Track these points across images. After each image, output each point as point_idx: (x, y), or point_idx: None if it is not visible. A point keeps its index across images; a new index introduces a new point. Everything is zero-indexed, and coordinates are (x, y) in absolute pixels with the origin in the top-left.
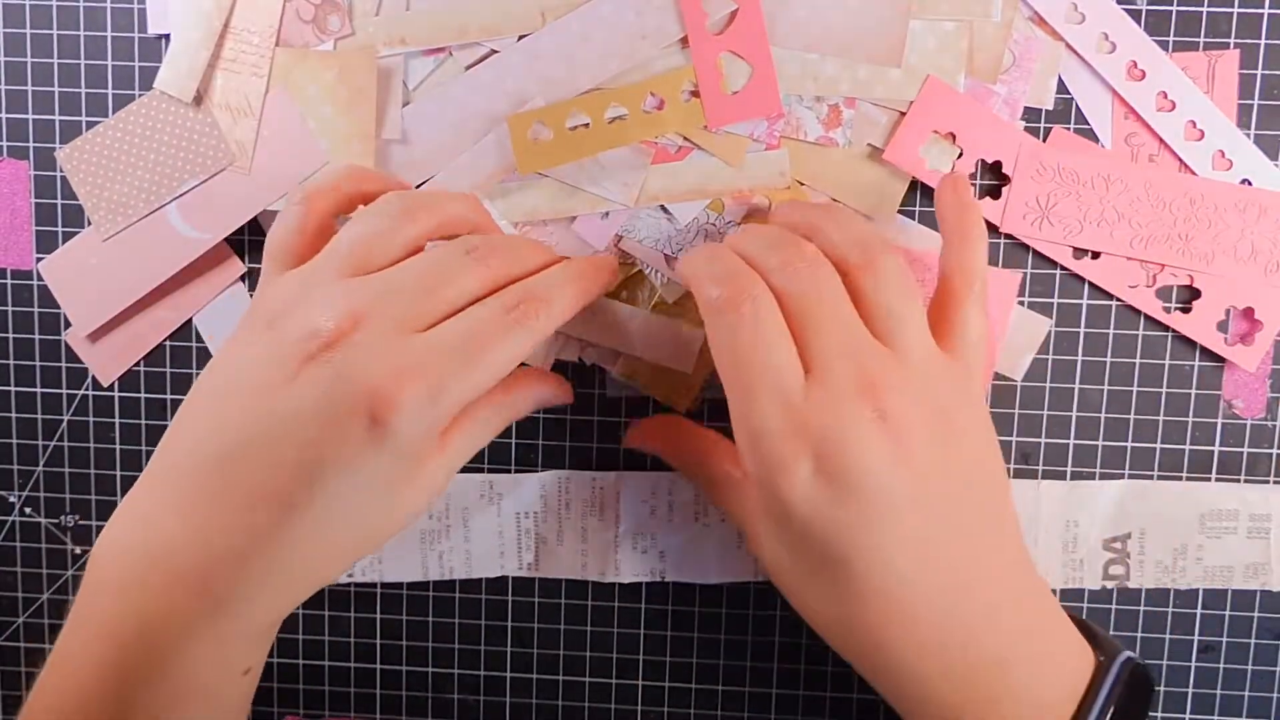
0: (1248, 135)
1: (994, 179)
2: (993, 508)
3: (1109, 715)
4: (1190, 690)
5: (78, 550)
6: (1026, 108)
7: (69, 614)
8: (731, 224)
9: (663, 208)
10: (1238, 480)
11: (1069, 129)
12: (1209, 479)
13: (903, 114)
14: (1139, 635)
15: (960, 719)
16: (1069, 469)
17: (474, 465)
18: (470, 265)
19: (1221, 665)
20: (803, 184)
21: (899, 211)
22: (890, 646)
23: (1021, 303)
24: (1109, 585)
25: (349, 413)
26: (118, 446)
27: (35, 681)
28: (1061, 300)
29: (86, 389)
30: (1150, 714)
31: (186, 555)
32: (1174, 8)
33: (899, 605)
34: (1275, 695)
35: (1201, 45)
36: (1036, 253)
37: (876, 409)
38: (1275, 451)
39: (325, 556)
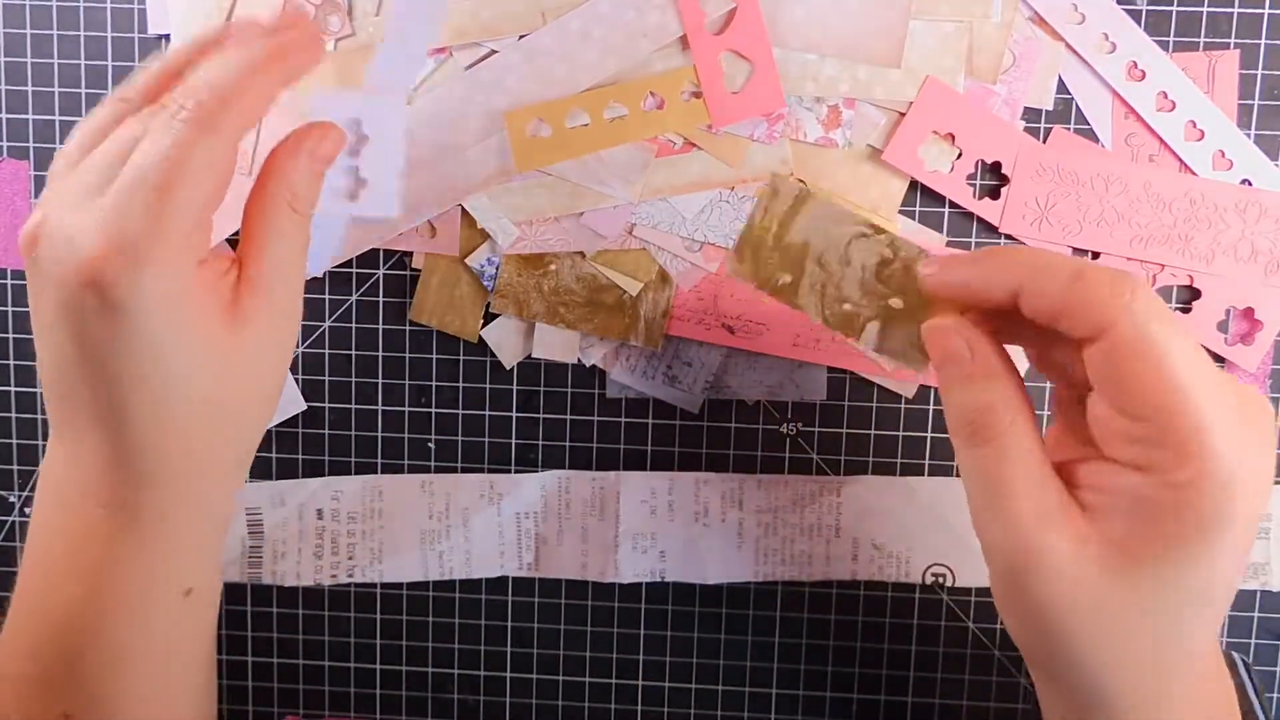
0: (1248, 135)
1: (994, 179)
2: None
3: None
4: None
5: None
6: (1026, 108)
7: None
8: (745, 198)
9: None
10: None
11: (1069, 129)
12: None
13: (902, 115)
14: None
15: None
16: None
17: (474, 465)
18: (125, 104)
19: None
20: (803, 183)
21: (899, 212)
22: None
23: None
24: None
25: (74, 303)
26: None
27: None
28: None
29: None
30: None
31: (88, 473)
32: (1174, 8)
33: (1211, 606)
34: (1275, 695)
35: (1201, 45)
36: None
37: None
38: (1275, 452)
39: (201, 441)
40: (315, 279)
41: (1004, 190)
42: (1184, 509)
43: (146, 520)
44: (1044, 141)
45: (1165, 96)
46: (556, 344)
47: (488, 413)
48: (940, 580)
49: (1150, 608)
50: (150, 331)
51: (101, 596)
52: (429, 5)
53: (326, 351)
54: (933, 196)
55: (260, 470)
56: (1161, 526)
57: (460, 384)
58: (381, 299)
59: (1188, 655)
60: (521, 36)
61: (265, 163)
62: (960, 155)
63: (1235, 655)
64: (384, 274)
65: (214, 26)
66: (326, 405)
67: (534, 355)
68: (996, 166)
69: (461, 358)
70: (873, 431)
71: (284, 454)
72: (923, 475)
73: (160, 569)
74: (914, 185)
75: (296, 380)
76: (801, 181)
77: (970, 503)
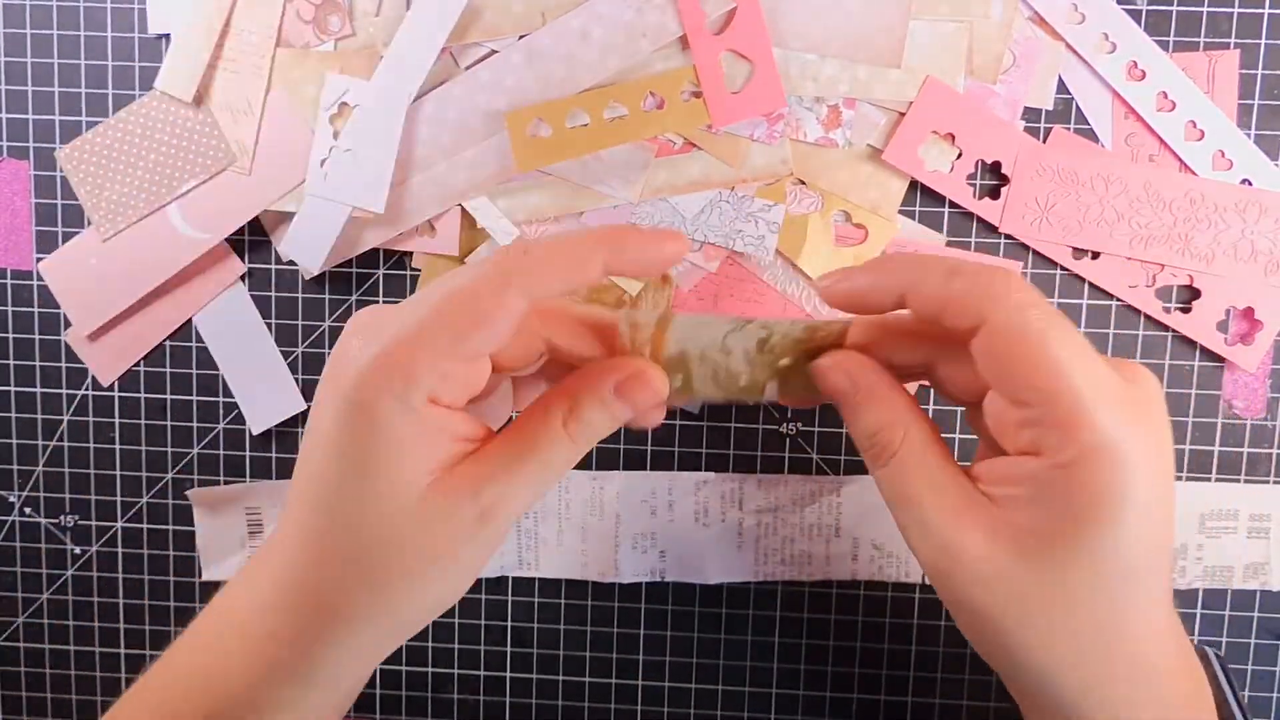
0: (1248, 135)
1: (994, 179)
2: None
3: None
4: None
5: (77, 550)
6: (1026, 108)
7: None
8: (745, 198)
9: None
10: (1238, 480)
11: (1069, 129)
12: (1209, 479)
13: (902, 114)
14: None
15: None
16: None
17: None
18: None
19: None
20: (803, 183)
21: (899, 212)
22: (1118, 632)
23: None
24: None
25: (348, 405)
26: (118, 446)
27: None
28: (1061, 300)
29: (86, 389)
30: None
31: (289, 573)
32: (1174, 8)
33: (1137, 585)
34: (1275, 695)
35: (1201, 45)
36: (1036, 253)
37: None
38: (1275, 451)
39: (372, 575)
40: (315, 279)
41: (1004, 190)
42: (1075, 487)
43: (297, 651)
44: (1044, 141)
45: (1165, 96)
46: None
47: None
48: None
49: (1070, 590)
50: (358, 439)
51: (239, 707)
52: (446, 5)
53: (326, 352)
54: (933, 196)
55: (260, 470)
56: (1059, 507)
57: None
58: (381, 299)
59: (1126, 639)
60: (521, 36)
61: (578, 371)
62: (960, 155)
63: (1208, 649)
64: (384, 274)
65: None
66: None
67: None
68: (996, 166)
69: None
70: None
71: (284, 454)
72: None
73: (303, 710)
74: (914, 185)
75: (296, 380)
76: (666, 280)
77: (895, 521)
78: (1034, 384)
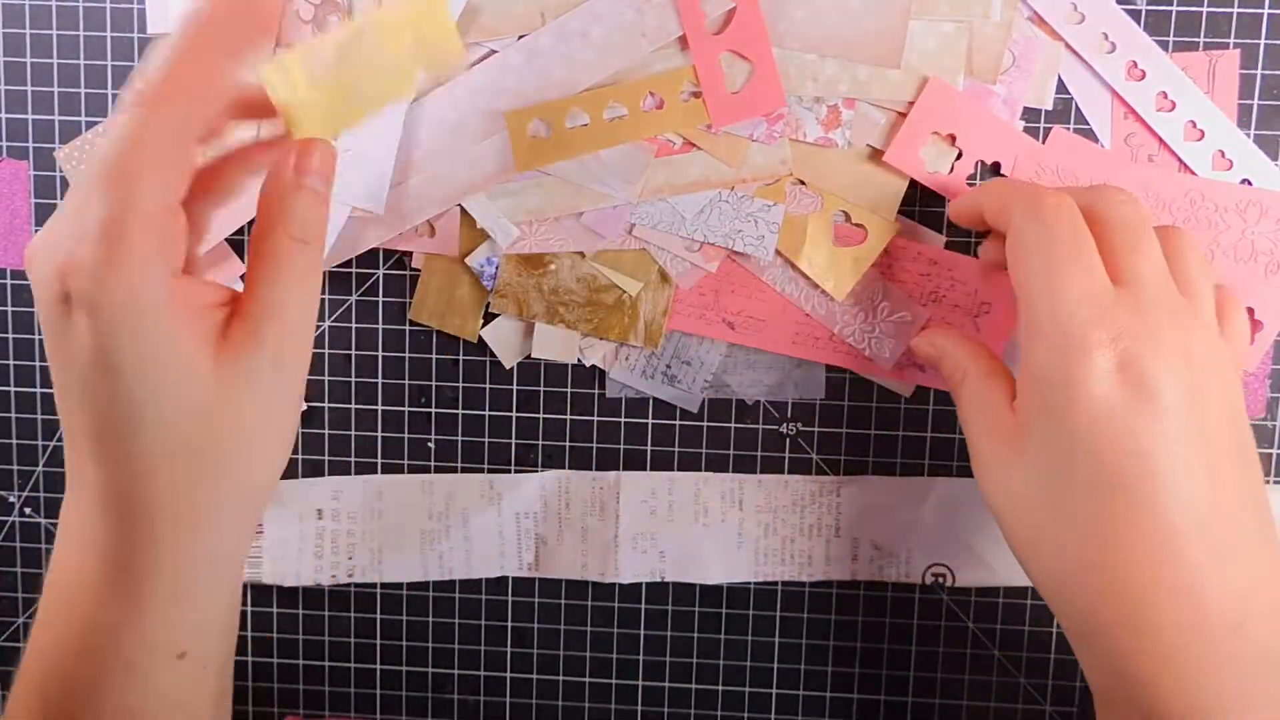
0: (1248, 135)
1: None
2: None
3: None
4: None
5: None
6: (1026, 108)
7: None
8: (745, 198)
9: None
10: None
11: (1069, 129)
12: None
13: (902, 115)
14: None
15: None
16: None
17: (474, 465)
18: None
19: None
20: (802, 183)
21: (899, 212)
22: (1148, 592)
23: None
24: None
25: (50, 320)
26: None
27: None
28: None
29: None
30: None
31: (83, 515)
32: (1174, 8)
33: (1172, 540)
34: None
35: (1201, 45)
36: None
37: (1183, 341)
38: (1275, 451)
39: (186, 487)
40: None
41: None
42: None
43: (135, 574)
44: (1043, 142)
45: (1165, 96)
46: (556, 344)
47: (488, 413)
48: (940, 580)
49: (1037, 485)
50: (117, 348)
51: (92, 654)
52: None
53: (326, 351)
54: (933, 196)
55: None
56: (1037, 393)
57: (460, 384)
58: (381, 299)
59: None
60: (521, 36)
61: (260, 196)
62: (960, 156)
63: None
64: (384, 274)
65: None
66: (326, 405)
67: (533, 355)
68: (996, 167)
69: (461, 358)
70: (872, 431)
71: None
72: (923, 475)
73: (147, 628)
74: (914, 185)
75: None
76: None
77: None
78: (1020, 290)
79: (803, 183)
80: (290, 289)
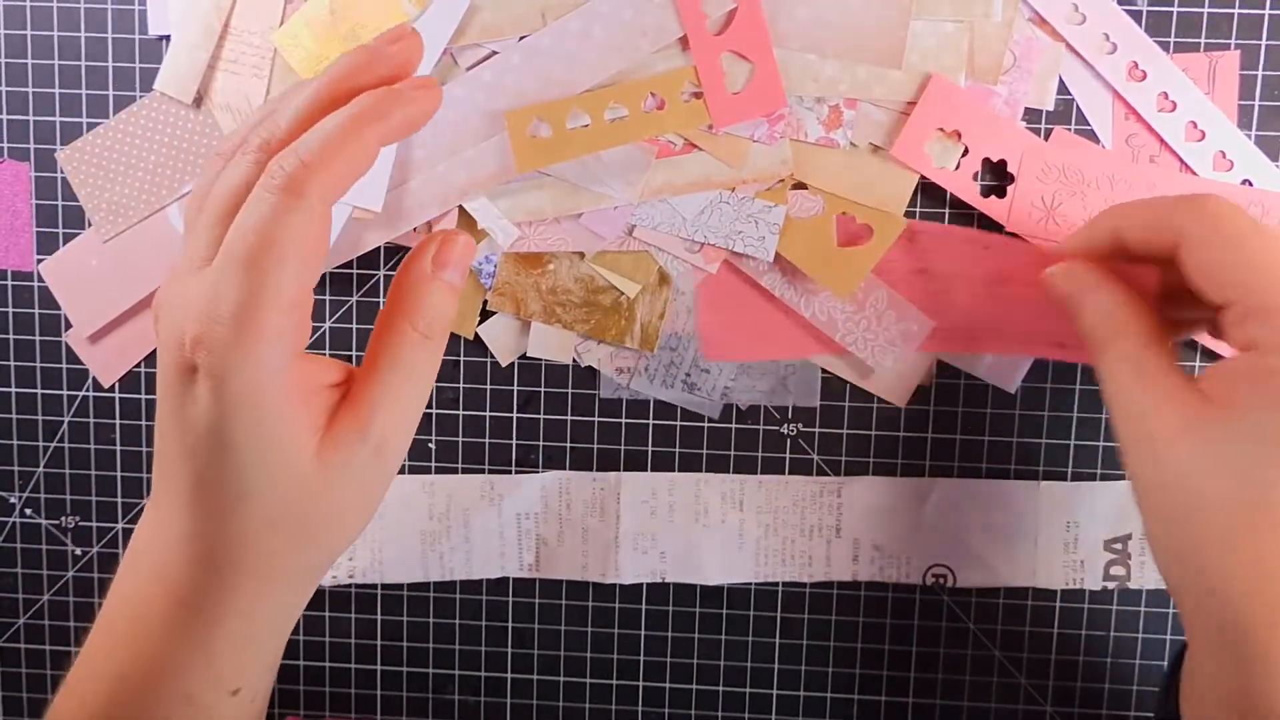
0: (1248, 136)
1: (998, 179)
2: None
3: None
4: None
5: (78, 551)
6: (1027, 108)
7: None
8: (746, 199)
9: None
10: None
11: (1070, 129)
12: None
13: (904, 115)
14: (1140, 636)
15: None
16: (1070, 470)
17: (475, 466)
18: (224, 161)
19: None
20: (803, 186)
21: (905, 212)
22: None
23: None
24: (1110, 586)
25: (172, 378)
26: (118, 448)
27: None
28: None
29: (87, 390)
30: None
31: (165, 551)
32: (1174, 8)
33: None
34: None
35: (1202, 46)
36: None
37: None
38: None
39: (277, 550)
40: None
41: (1010, 189)
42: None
43: (208, 619)
44: (1045, 142)
45: (1166, 97)
46: (552, 343)
47: (488, 413)
48: (941, 581)
49: (1233, 462)
50: (234, 425)
51: (150, 681)
52: (449, 7)
53: (327, 352)
54: (935, 196)
55: None
56: (1247, 384)
57: (460, 384)
58: (381, 299)
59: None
60: (522, 37)
61: (394, 280)
62: (966, 153)
63: None
64: (384, 274)
65: (334, 66)
66: None
67: (529, 354)
68: (1000, 165)
69: (461, 358)
70: (873, 432)
71: None
72: (923, 476)
73: (213, 667)
74: (917, 186)
75: None
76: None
77: (1110, 414)
78: (1232, 280)
79: (803, 186)
80: (403, 384)
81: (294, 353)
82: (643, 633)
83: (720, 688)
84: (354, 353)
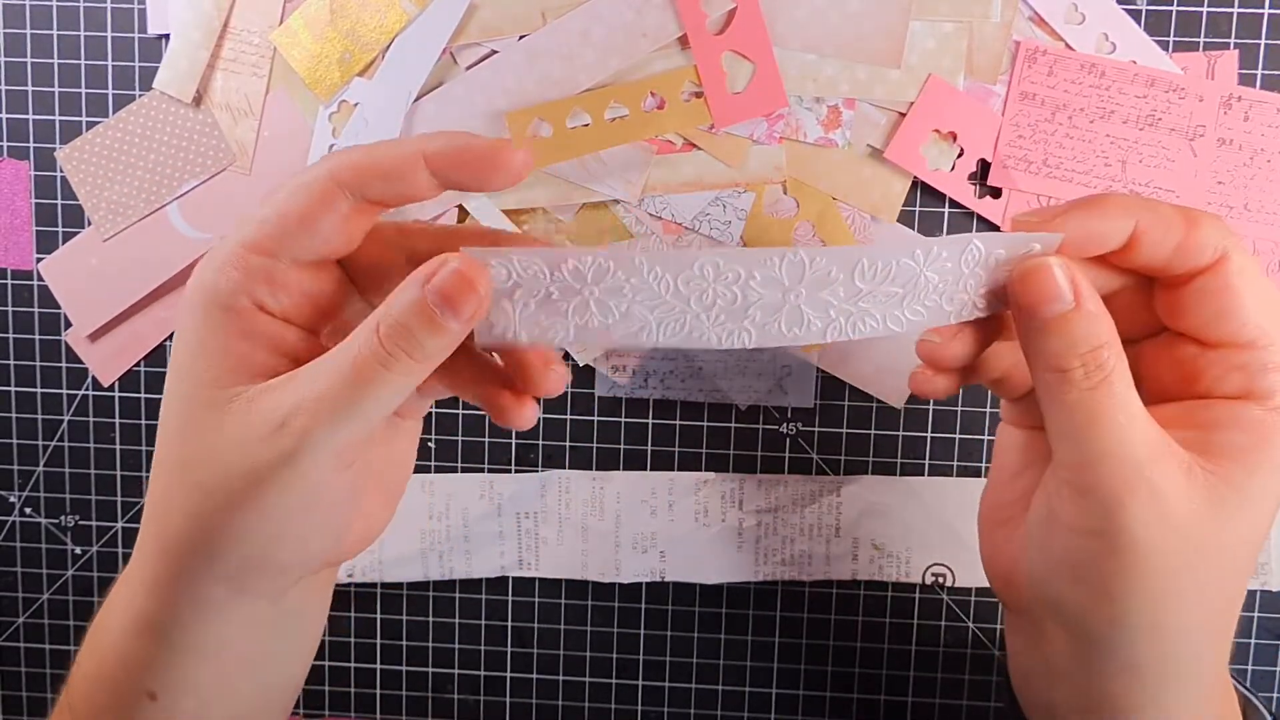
0: None
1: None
2: None
3: None
4: None
5: (78, 550)
6: None
7: None
8: (731, 223)
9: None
10: None
11: None
12: None
13: (902, 115)
14: None
15: None
16: None
17: (474, 465)
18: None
19: None
20: (804, 184)
21: (902, 212)
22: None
23: None
24: None
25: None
26: (118, 447)
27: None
28: None
29: (87, 389)
30: None
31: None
32: (1174, 8)
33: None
34: (1275, 695)
35: (1201, 45)
36: None
37: None
38: None
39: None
40: None
41: (1006, 190)
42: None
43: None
44: None
45: None
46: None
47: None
48: (940, 580)
49: (1240, 538)
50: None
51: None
52: (448, 6)
53: None
54: (933, 196)
55: None
56: (1269, 447)
57: None
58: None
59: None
60: (521, 37)
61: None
62: (962, 154)
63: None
64: None
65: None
66: None
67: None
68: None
69: None
70: (873, 431)
71: None
72: (923, 475)
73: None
74: (913, 185)
75: None
76: None
77: (1065, 447)
78: (1262, 323)
79: (804, 183)
80: (340, 389)
81: (261, 301)
82: (642, 632)
83: (720, 687)
84: None
